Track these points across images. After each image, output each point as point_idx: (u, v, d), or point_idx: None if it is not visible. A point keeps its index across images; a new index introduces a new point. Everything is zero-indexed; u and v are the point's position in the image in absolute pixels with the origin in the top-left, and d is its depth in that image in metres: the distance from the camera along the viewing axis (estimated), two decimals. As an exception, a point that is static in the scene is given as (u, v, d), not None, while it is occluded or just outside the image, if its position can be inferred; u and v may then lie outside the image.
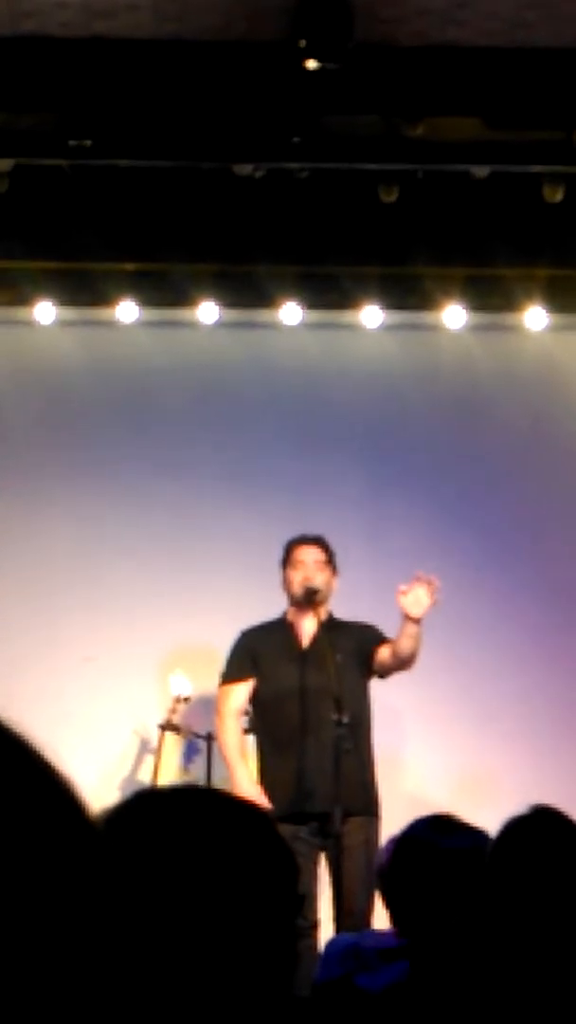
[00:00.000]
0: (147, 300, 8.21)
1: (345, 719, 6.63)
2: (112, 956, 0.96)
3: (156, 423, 8.40)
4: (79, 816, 0.98)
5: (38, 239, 7.91)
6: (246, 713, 7.21)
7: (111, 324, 8.28)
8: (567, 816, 2.94)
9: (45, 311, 8.23)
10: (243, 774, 7.02)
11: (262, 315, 8.29)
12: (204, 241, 7.90)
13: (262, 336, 8.44)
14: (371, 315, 8.25)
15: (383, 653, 7.06)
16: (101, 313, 8.23)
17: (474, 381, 8.46)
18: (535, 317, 8.27)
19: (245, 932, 1.50)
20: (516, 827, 2.89)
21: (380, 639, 7.10)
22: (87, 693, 8.10)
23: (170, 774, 7.76)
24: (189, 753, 7.91)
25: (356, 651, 7.03)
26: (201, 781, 7.36)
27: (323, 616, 7.09)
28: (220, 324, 8.29)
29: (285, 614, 7.23)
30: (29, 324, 8.28)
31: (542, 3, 6.80)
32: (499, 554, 8.37)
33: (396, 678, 7.16)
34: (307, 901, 6.21)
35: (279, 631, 7.19)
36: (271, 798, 6.78)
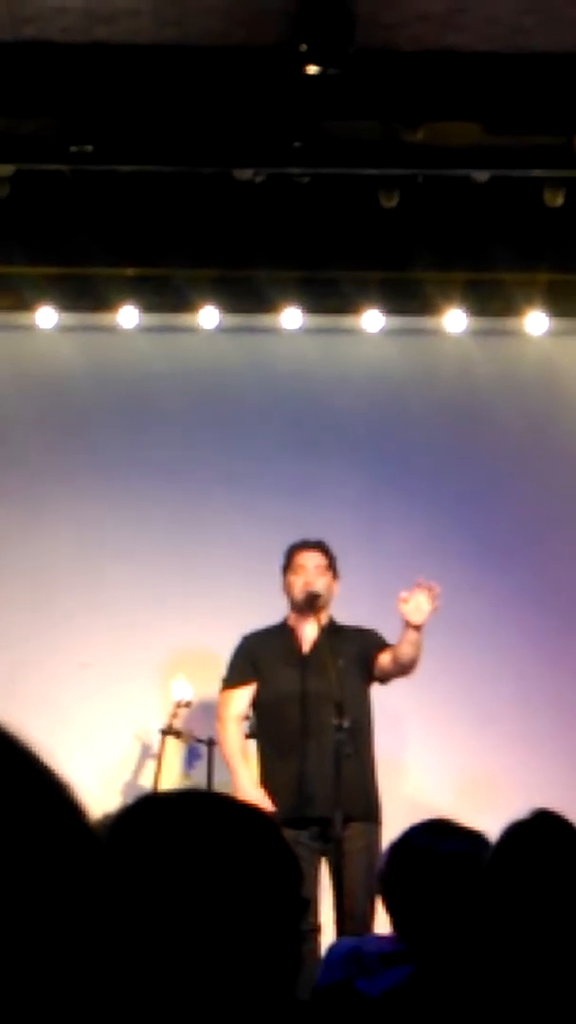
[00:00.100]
0: (148, 305, 8.21)
1: (346, 724, 6.63)
2: (114, 959, 0.96)
3: (156, 428, 8.40)
4: (79, 821, 0.98)
5: (39, 244, 7.92)
6: (247, 718, 7.21)
7: (112, 329, 8.28)
8: (567, 820, 2.95)
9: (46, 316, 8.23)
10: (245, 777, 7.02)
11: (263, 320, 8.29)
12: (205, 246, 7.90)
13: (263, 341, 8.44)
14: (372, 320, 8.26)
15: (384, 658, 7.06)
16: (102, 318, 8.23)
17: (474, 386, 8.47)
18: (535, 322, 8.27)
19: (250, 935, 1.50)
20: (516, 831, 2.89)
21: (381, 644, 7.10)
22: (88, 698, 8.10)
23: (171, 779, 7.75)
24: (190, 758, 7.91)
25: (357, 656, 7.03)
26: (202, 786, 7.35)
27: (324, 621, 7.09)
28: (221, 329, 8.29)
29: (286, 619, 7.23)
30: (30, 329, 8.29)
31: (542, 8, 6.81)
32: (498, 557, 8.37)
33: (396, 682, 7.16)
34: (308, 905, 6.21)
35: (280, 636, 7.19)
36: (272, 802, 6.78)
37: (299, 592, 7.11)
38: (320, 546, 7.19)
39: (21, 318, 8.25)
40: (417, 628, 6.91)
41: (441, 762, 8.14)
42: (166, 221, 7.81)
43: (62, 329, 8.31)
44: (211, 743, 7.41)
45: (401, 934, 3.28)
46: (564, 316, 8.28)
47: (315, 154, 7.39)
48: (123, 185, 7.59)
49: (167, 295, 8.19)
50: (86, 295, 8.15)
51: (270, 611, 7.24)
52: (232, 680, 7.18)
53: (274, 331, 8.32)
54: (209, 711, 7.45)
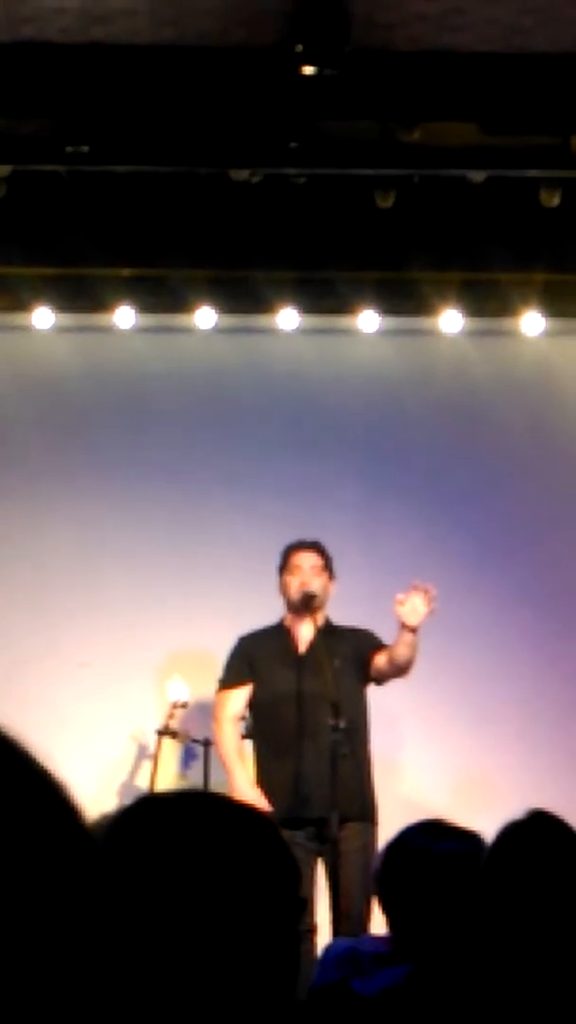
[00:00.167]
0: (144, 306, 8.21)
1: (342, 724, 6.63)
2: (112, 960, 0.96)
3: (154, 428, 8.40)
4: (74, 821, 0.98)
5: (36, 245, 7.91)
6: (243, 718, 7.22)
7: (109, 330, 8.28)
8: (564, 820, 2.95)
9: (43, 317, 8.23)
10: (242, 777, 7.02)
11: (259, 320, 8.29)
12: (201, 246, 7.90)
13: (259, 341, 8.44)
14: (368, 320, 8.26)
15: (380, 659, 7.06)
16: (99, 319, 8.23)
17: (471, 386, 8.47)
18: (532, 322, 8.27)
19: (248, 936, 1.50)
20: (512, 832, 2.89)
21: (377, 645, 7.10)
22: (85, 698, 8.10)
23: (168, 780, 7.75)
24: (187, 759, 7.90)
25: (353, 656, 7.03)
26: (198, 786, 7.35)
27: (320, 621, 7.09)
28: (217, 329, 8.29)
29: (282, 619, 7.23)
30: (27, 330, 8.29)
31: (539, 8, 6.81)
32: (496, 558, 8.37)
33: (392, 682, 7.16)
34: (306, 905, 6.21)
35: (276, 636, 7.19)
36: (268, 803, 6.78)
37: (295, 592, 7.11)
38: (316, 546, 7.19)
39: (18, 318, 8.25)
40: (413, 630, 6.91)
41: (437, 762, 8.14)
42: (162, 221, 7.81)
43: (59, 329, 8.31)
44: (207, 744, 7.41)
45: (397, 934, 3.28)
46: (560, 316, 8.28)
47: (311, 154, 7.39)
48: (119, 185, 7.59)
49: (163, 295, 8.18)
50: (83, 295, 8.15)
51: (269, 611, 7.24)
52: (228, 681, 7.18)
53: (270, 331, 8.32)
54: (206, 712, 7.45)
